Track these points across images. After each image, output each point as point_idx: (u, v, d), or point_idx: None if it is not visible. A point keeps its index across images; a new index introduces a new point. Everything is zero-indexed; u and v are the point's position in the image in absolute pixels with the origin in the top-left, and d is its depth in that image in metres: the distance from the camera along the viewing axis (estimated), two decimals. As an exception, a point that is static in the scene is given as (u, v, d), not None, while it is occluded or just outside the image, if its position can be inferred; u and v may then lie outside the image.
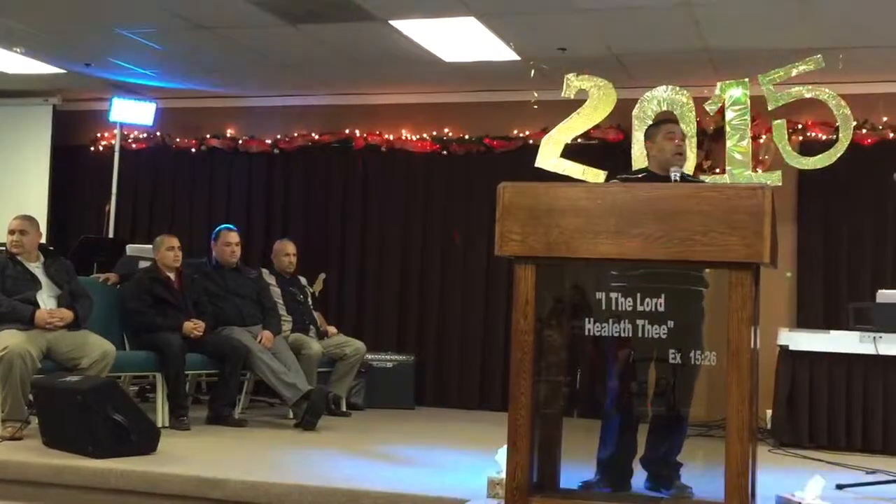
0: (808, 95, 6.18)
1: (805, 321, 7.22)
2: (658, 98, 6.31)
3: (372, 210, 8.44)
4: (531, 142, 7.67)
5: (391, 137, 8.37)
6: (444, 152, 8.25)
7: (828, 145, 6.37)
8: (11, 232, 5.56)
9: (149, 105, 8.56)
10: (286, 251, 7.35)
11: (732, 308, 3.15)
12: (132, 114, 8.51)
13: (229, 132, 8.83)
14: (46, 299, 5.49)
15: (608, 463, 4.05)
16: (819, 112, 6.81)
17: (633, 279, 3.52)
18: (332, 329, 7.40)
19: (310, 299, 7.45)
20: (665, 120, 4.93)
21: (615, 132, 7.51)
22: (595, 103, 6.27)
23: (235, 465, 4.59)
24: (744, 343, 3.13)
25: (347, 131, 8.47)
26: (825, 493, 4.01)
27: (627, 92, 6.51)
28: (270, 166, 8.72)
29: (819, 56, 6.01)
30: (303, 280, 7.51)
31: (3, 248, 5.70)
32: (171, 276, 6.34)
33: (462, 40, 6.78)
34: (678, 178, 4.28)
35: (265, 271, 7.19)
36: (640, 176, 4.55)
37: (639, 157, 6.28)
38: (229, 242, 6.76)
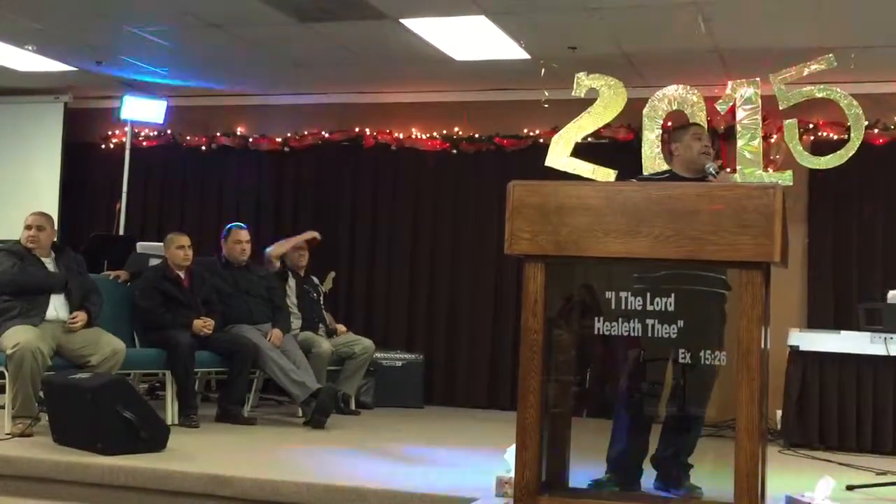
0: (819, 95, 6.16)
1: (815, 321, 7.20)
2: (669, 97, 6.29)
3: (382, 208, 8.44)
4: (541, 140, 7.67)
5: (401, 136, 8.37)
6: (455, 151, 8.24)
7: (839, 145, 6.34)
8: (28, 227, 5.59)
9: (159, 103, 8.57)
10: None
11: (743, 308, 3.15)
12: (143, 112, 8.52)
13: (240, 130, 8.84)
14: (59, 295, 5.50)
15: (618, 462, 4.05)
16: (831, 112, 6.78)
17: (655, 280, 3.51)
18: (341, 327, 7.41)
19: (322, 298, 7.45)
20: (692, 122, 4.95)
21: (625, 131, 7.50)
22: (605, 102, 6.25)
23: (244, 462, 4.59)
24: (754, 343, 3.12)
25: (358, 130, 8.48)
26: (835, 494, 4.00)
27: (638, 91, 6.49)
28: (280, 164, 8.73)
29: (831, 55, 5.99)
30: (315, 279, 7.52)
31: (17, 243, 5.73)
32: (181, 274, 6.35)
33: (473, 39, 6.77)
34: (714, 171, 4.30)
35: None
36: (663, 177, 4.53)
37: (649, 157, 6.26)
38: (239, 240, 6.77)
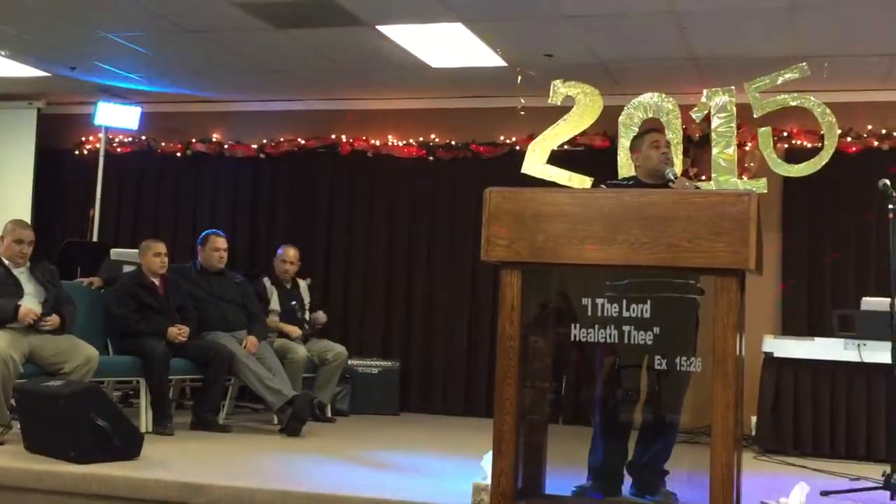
0: (793, 103, 6.20)
1: (790, 328, 7.24)
2: (644, 105, 6.31)
3: (358, 216, 8.42)
4: (518, 148, 7.68)
5: (378, 143, 8.36)
6: (431, 158, 8.24)
7: (813, 153, 6.38)
8: (19, 241, 5.52)
9: (134, 109, 8.53)
10: (282, 258, 7.31)
11: (718, 314, 3.16)
12: (117, 118, 8.48)
13: (215, 137, 8.80)
14: (30, 305, 5.44)
15: (599, 468, 4.05)
16: (804, 120, 6.84)
17: (625, 287, 3.51)
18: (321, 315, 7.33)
19: (306, 311, 7.39)
20: (649, 129, 4.94)
21: (601, 139, 7.53)
22: (581, 110, 6.27)
23: (219, 470, 4.57)
24: (729, 350, 3.13)
25: (334, 136, 8.46)
26: (809, 499, 4.02)
27: (614, 99, 6.51)
28: (256, 171, 8.70)
29: (804, 64, 6.03)
30: (302, 285, 7.47)
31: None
32: (156, 281, 6.31)
33: (449, 46, 6.78)
34: (672, 177, 4.30)
35: (266, 281, 7.17)
36: (628, 183, 4.55)
37: (625, 164, 6.27)
38: (217, 248, 6.73)
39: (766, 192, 6.24)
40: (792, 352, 6.35)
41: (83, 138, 9.06)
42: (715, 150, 6.27)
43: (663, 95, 6.32)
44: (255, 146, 8.65)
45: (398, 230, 8.33)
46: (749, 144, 7.03)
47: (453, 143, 8.20)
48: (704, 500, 3.11)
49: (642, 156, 4.47)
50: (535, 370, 3.53)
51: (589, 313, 3.44)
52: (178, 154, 8.85)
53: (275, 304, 7.11)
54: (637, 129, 6.30)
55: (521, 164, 6.38)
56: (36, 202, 8.79)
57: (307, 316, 7.38)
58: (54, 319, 5.42)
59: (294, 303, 7.25)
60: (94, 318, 6.16)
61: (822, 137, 6.31)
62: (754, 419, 6.46)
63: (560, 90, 6.30)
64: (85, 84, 8.35)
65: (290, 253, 7.34)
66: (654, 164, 4.41)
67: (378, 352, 8.06)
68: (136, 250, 6.55)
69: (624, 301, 3.40)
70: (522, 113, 6.95)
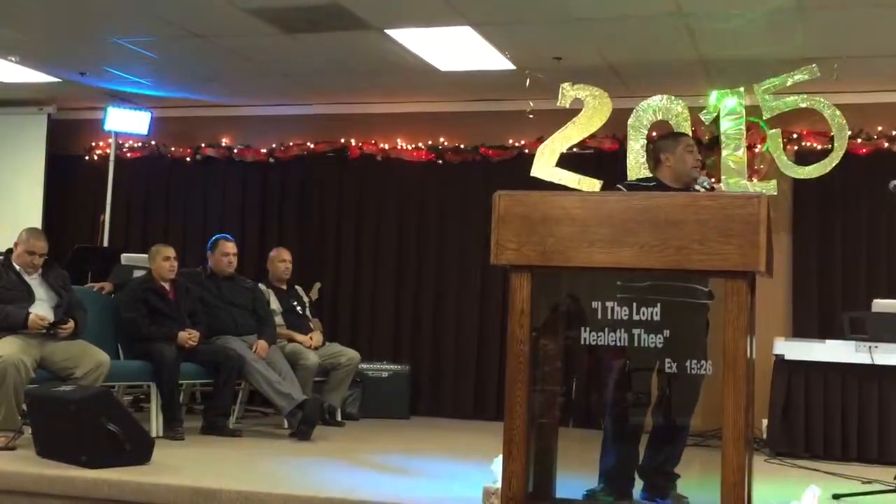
0: (803, 105, 6.19)
1: (800, 330, 7.22)
2: (654, 107, 6.32)
3: (367, 219, 8.43)
4: (527, 151, 7.68)
5: (386, 146, 8.36)
6: (440, 161, 8.24)
7: (823, 154, 6.38)
8: (31, 253, 5.55)
9: (144, 114, 8.54)
10: (281, 258, 7.34)
11: (728, 317, 3.14)
12: (127, 123, 8.50)
13: (224, 141, 8.82)
14: (42, 310, 5.46)
15: (610, 472, 4.05)
16: (814, 121, 6.82)
17: (638, 291, 3.51)
18: (316, 336, 7.28)
19: (308, 309, 7.42)
20: (681, 133, 4.93)
21: (611, 141, 7.51)
22: (590, 113, 6.28)
23: (229, 475, 4.57)
24: (740, 352, 3.12)
25: (343, 140, 8.47)
26: (821, 503, 4.00)
27: (623, 101, 6.52)
28: (265, 175, 8.71)
29: (814, 65, 6.03)
30: (299, 290, 7.49)
31: (1, 257, 5.71)
32: (166, 285, 6.32)
33: (458, 49, 6.78)
34: (708, 186, 4.30)
35: (261, 286, 7.16)
36: (649, 185, 4.50)
37: (633, 167, 6.28)
38: (227, 252, 6.75)
39: (776, 193, 6.24)
40: (803, 354, 6.33)
41: (93, 143, 9.08)
42: (724, 153, 6.28)
43: (672, 98, 6.33)
44: (264, 150, 8.67)
45: (407, 234, 8.33)
46: (759, 146, 7.02)
47: (462, 146, 8.20)
48: (716, 504, 3.10)
49: (675, 158, 4.43)
50: (546, 373, 3.52)
51: (599, 316, 3.43)
52: (188, 159, 8.87)
53: (275, 304, 7.12)
54: (646, 132, 6.31)
55: (530, 168, 6.40)
56: (46, 207, 8.81)
57: (308, 313, 7.39)
58: (70, 325, 5.44)
59: (294, 302, 7.26)
60: (104, 323, 6.17)
61: (832, 139, 6.31)
62: (765, 422, 6.44)
63: (569, 93, 6.31)
64: (95, 89, 8.37)
65: (285, 252, 7.37)
66: (688, 168, 4.40)
67: (388, 355, 8.06)
68: (146, 255, 6.57)
69: (634, 304, 3.39)
70: (531, 116, 6.95)
